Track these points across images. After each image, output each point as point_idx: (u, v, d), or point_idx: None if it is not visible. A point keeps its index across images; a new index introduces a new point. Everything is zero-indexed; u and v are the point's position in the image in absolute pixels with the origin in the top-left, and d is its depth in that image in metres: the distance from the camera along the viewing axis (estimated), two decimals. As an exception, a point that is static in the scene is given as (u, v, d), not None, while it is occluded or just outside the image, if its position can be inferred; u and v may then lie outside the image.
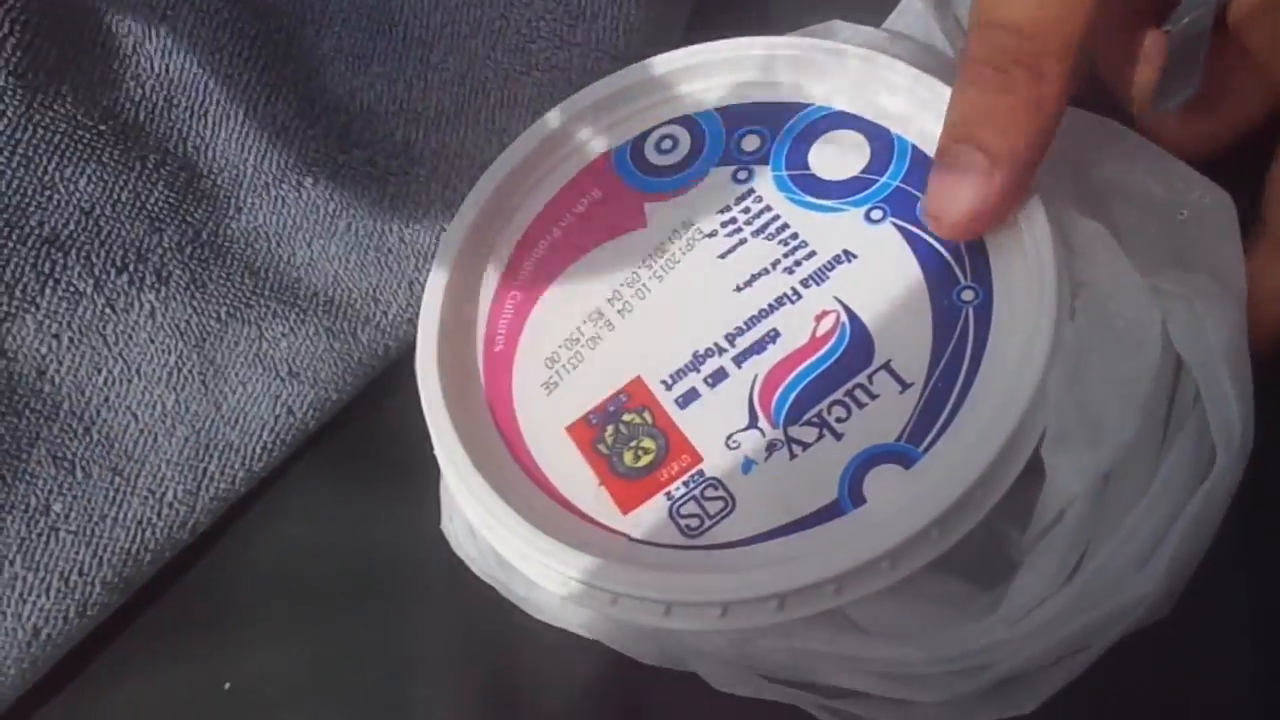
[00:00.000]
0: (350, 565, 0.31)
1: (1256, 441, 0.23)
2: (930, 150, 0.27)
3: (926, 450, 0.24)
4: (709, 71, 0.31)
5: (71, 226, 0.29)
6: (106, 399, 0.28)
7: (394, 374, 0.33)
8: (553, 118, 0.31)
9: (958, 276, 0.26)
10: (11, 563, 0.27)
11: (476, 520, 0.27)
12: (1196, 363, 0.23)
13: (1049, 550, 0.23)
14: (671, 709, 0.28)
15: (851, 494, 0.24)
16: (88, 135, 0.30)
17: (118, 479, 0.28)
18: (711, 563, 0.24)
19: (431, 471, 0.28)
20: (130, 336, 0.29)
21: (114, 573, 0.28)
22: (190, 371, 0.29)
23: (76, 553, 0.27)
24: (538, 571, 0.25)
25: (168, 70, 0.33)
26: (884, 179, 0.27)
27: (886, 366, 0.25)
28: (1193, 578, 0.23)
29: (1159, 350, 0.23)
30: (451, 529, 0.29)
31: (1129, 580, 0.22)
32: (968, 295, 0.25)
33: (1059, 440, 0.23)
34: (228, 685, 0.30)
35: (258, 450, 0.30)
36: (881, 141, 0.28)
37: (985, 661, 0.22)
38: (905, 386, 0.25)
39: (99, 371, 0.28)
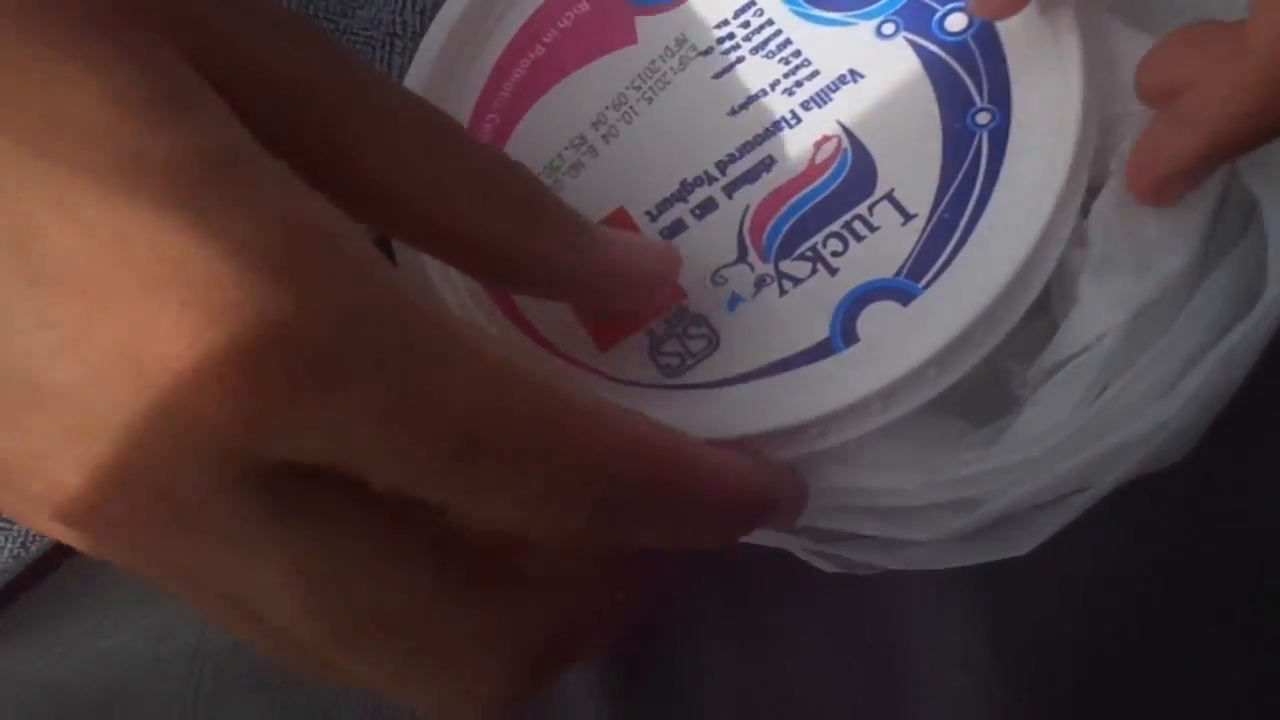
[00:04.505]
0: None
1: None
2: None
3: (927, 286, 0.22)
4: None
5: None
6: None
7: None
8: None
9: (973, 97, 0.23)
10: None
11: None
12: (1262, 189, 0.20)
13: (1069, 384, 0.21)
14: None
15: (844, 332, 0.22)
16: None
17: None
18: (690, 403, 0.22)
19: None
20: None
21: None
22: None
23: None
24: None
25: None
26: None
27: (889, 196, 0.23)
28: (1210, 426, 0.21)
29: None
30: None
31: (1146, 409, 0.20)
32: (983, 118, 0.23)
33: (1102, 265, 0.21)
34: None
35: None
36: None
37: (982, 492, 0.21)
38: (908, 218, 0.23)
39: None
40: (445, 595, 0.16)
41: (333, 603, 0.15)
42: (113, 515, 0.14)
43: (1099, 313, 0.21)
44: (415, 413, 0.14)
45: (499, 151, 0.20)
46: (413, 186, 0.18)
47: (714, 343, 0.23)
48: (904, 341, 0.21)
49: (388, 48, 0.31)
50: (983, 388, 0.22)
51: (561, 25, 0.28)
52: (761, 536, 0.24)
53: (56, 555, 0.31)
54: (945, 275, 0.22)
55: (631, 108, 0.26)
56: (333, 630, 0.15)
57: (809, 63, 0.25)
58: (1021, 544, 0.23)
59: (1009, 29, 0.23)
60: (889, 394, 0.21)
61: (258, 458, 0.14)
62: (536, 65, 0.27)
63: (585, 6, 0.27)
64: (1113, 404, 0.21)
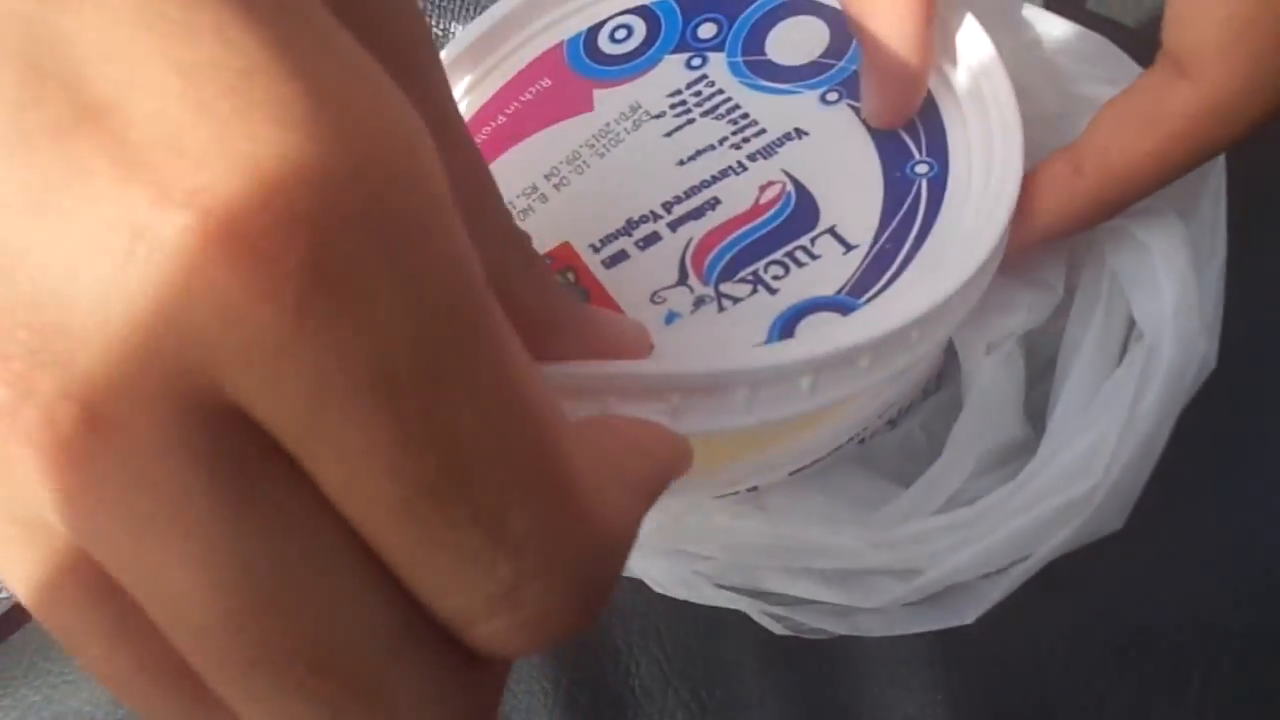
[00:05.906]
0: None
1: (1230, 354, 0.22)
2: None
3: (869, 301, 0.22)
4: None
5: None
6: None
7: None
8: (503, 6, 0.30)
9: (912, 152, 0.24)
10: None
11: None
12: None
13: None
14: (618, 613, 0.27)
15: (782, 337, 0.22)
16: None
17: None
18: None
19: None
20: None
21: None
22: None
23: None
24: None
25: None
26: (841, 63, 0.26)
27: (831, 230, 0.23)
28: (1151, 499, 0.21)
29: None
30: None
31: (1076, 474, 0.20)
32: (921, 169, 0.24)
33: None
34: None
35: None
36: (841, 26, 0.27)
37: (920, 554, 0.20)
38: (850, 248, 0.23)
39: None
40: (409, 644, 0.12)
41: (265, 620, 0.11)
42: (89, 448, 0.10)
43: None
44: (422, 375, 0.10)
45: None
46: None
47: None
48: (839, 335, 0.21)
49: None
50: (917, 453, 0.22)
51: (524, 98, 0.29)
52: (716, 597, 0.23)
53: (14, 618, 0.30)
54: (887, 293, 0.22)
55: (584, 161, 0.27)
56: (253, 655, 0.11)
57: (756, 123, 0.26)
58: (966, 613, 0.22)
59: (944, 93, 0.25)
60: (819, 369, 0.20)
61: (215, 388, 0.10)
62: (498, 130, 0.28)
63: (547, 82, 0.29)
64: (1042, 471, 0.21)
